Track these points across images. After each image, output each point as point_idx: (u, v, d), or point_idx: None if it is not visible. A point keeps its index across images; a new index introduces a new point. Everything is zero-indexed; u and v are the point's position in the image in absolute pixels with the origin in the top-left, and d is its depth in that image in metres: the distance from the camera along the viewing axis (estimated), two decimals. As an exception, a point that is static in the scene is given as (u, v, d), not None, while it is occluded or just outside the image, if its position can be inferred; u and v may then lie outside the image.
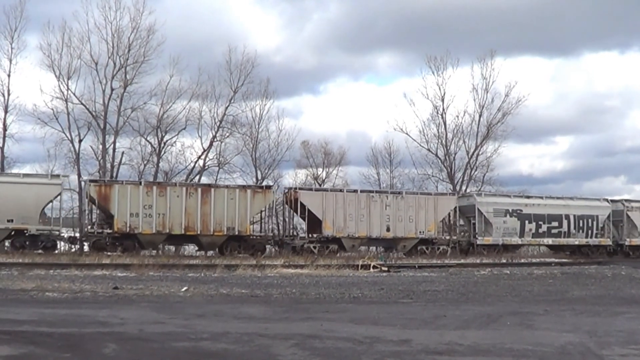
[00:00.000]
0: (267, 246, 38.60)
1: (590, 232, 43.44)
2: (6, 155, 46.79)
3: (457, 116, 56.60)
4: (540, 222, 42.02)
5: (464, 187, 55.60)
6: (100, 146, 48.01)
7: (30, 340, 9.57)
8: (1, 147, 46.53)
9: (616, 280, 25.25)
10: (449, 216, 41.93)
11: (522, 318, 13.17)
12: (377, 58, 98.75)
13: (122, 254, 32.25)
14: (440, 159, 56.79)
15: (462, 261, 34.96)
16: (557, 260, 38.58)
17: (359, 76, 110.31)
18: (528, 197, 44.97)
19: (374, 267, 28.15)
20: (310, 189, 40.45)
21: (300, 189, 39.71)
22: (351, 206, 38.03)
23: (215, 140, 51.75)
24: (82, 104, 47.28)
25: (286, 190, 41.53)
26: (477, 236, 40.75)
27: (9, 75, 46.41)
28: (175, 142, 51.11)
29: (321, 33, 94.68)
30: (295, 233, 39.29)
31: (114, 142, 48.49)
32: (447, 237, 40.63)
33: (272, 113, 55.24)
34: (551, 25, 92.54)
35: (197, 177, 50.79)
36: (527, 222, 41.61)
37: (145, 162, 50.41)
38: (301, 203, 37.44)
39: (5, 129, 46.46)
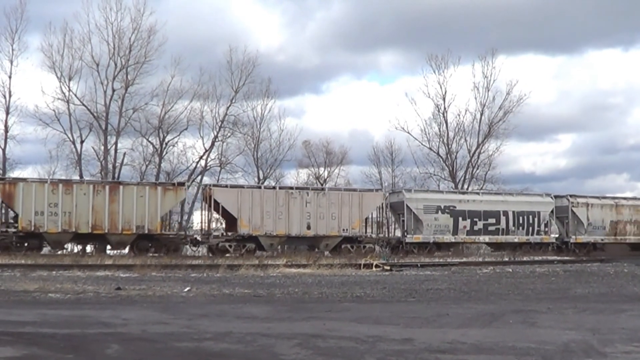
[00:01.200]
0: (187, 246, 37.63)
1: (531, 229, 42.12)
2: (8, 157, 46.96)
3: (459, 115, 56.86)
4: (475, 219, 40.65)
5: (465, 186, 55.77)
6: (102, 147, 48.22)
7: (33, 342, 9.57)
8: (3, 148, 46.68)
9: (619, 278, 25.23)
10: (378, 213, 40.40)
11: (525, 316, 13.15)
12: (380, 57, 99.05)
13: (27, 253, 31.44)
14: (441, 157, 57.02)
15: (465, 259, 34.91)
16: (559, 258, 38.43)
17: (362, 75, 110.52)
18: (463, 192, 44.46)
19: (377, 266, 28.15)
20: (226, 186, 38.91)
21: (214, 185, 38.56)
22: (269, 203, 36.62)
23: (216, 140, 52.01)
24: (83, 105, 47.53)
25: (203, 188, 40.83)
26: (406, 234, 39.53)
27: (10, 77, 46.69)
28: (177, 142, 51.46)
29: (324, 32, 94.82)
30: (210, 232, 37.91)
31: (116, 143, 48.74)
32: (374, 235, 39.26)
33: (274, 113, 55.58)
34: (555, 23, 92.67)
35: (199, 177, 50.99)
36: (460, 219, 40.27)
37: (147, 162, 50.70)
38: (215, 200, 36.37)
39: (6, 131, 46.66)
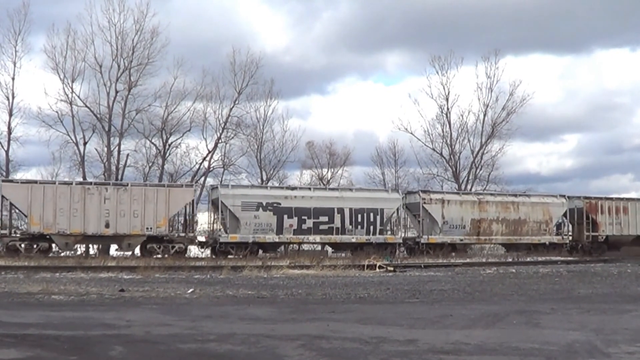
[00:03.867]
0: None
1: (372, 228, 37.75)
2: (11, 159, 46.98)
3: (462, 115, 56.72)
4: (304, 217, 36.68)
5: (469, 186, 55.69)
6: (105, 149, 48.21)
7: (36, 344, 9.58)
8: (6, 150, 46.72)
9: (622, 278, 25.21)
10: (189, 210, 36.70)
11: (529, 317, 13.15)
12: (386, 57, 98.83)
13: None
14: (445, 158, 56.93)
15: (468, 260, 34.84)
16: (562, 258, 38.33)
17: (368, 75, 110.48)
18: (290, 188, 39.96)
19: (380, 267, 28.15)
20: (17, 181, 35.68)
21: (3, 181, 35.65)
22: (63, 199, 33.49)
23: (220, 141, 51.93)
24: (86, 106, 47.51)
25: None
26: (225, 233, 36.22)
27: (13, 79, 46.63)
28: (180, 143, 51.32)
29: (331, 32, 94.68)
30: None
31: (119, 145, 48.70)
32: (182, 235, 35.83)
33: (278, 114, 55.42)
34: (562, 23, 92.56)
35: (202, 178, 50.95)
36: (286, 216, 36.43)
37: (150, 164, 50.61)
38: (3, 196, 33.74)
39: (10, 132, 46.65)
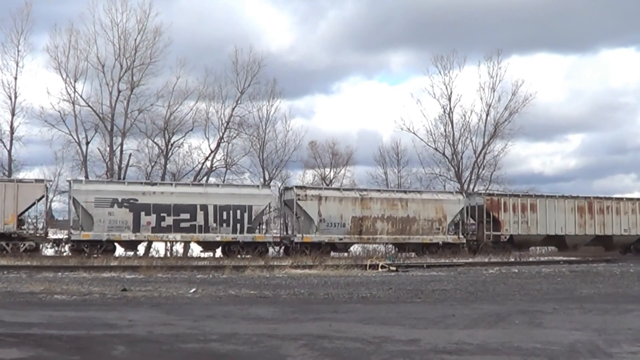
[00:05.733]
0: None
1: (240, 226, 35.82)
2: (14, 159, 47.04)
3: (465, 115, 56.71)
4: (163, 214, 34.87)
5: (471, 186, 55.72)
6: (108, 148, 48.32)
7: (39, 343, 9.58)
8: (9, 150, 46.80)
9: (625, 278, 25.18)
10: (43, 207, 35.21)
11: (531, 317, 13.14)
12: (391, 57, 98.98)
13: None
14: (447, 158, 56.98)
15: (471, 260, 34.74)
16: (565, 258, 38.22)
17: (372, 75, 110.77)
18: (150, 184, 37.94)
19: (382, 266, 28.13)
20: None
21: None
22: None
23: (222, 141, 51.98)
24: (89, 106, 47.67)
25: None
26: (72, 230, 34.32)
27: (15, 78, 46.73)
28: (182, 143, 51.39)
29: (336, 31, 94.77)
30: None
31: (122, 144, 48.86)
32: (32, 232, 34.25)
33: (281, 113, 55.50)
34: (568, 22, 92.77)
35: (205, 178, 50.96)
36: (143, 213, 34.59)
37: (152, 163, 50.70)
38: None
39: (12, 132, 46.74)
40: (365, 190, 41.03)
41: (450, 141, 56.89)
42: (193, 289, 18.34)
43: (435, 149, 56.97)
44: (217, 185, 40.60)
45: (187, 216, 35.13)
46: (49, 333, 10.57)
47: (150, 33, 48.29)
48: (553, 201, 42.18)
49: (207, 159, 51.90)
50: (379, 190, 41.40)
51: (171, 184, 38.76)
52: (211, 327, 11.45)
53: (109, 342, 9.73)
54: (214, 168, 52.34)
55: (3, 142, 46.94)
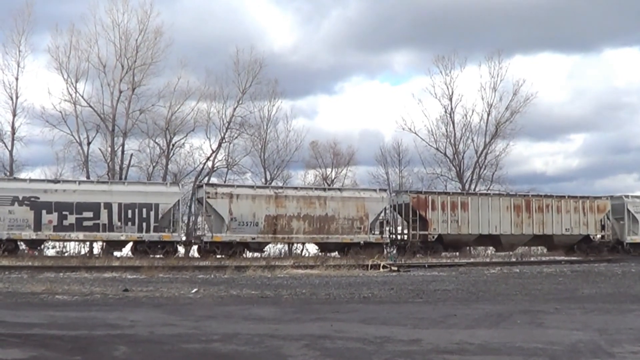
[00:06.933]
0: None
1: (146, 225, 34.59)
2: (15, 159, 47.06)
3: (466, 115, 56.64)
4: (65, 213, 33.63)
5: (473, 186, 55.65)
6: (109, 149, 48.25)
7: (40, 344, 9.59)
8: (10, 150, 46.80)
9: (626, 278, 25.17)
10: None
11: (533, 317, 13.13)
12: (393, 57, 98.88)
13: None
14: (448, 158, 56.87)
15: (472, 260, 34.63)
16: (567, 258, 38.10)
17: (375, 75, 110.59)
18: (53, 181, 36.07)
19: (384, 266, 28.13)
20: None
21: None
22: None
23: (223, 141, 51.92)
24: (90, 106, 47.59)
25: None
26: None
27: (17, 79, 46.70)
28: (183, 143, 51.33)
29: (338, 31, 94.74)
30: None
31: (123, 145, 48.76)
32: None
33: (282, 113, 55.41)
34: (571, 22, 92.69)
35: (206, 178, 50.95)
36: (44, 212, 33.41)
37: (154, 164, 50.68)
38: None
39: (13, 132, 46.73)
40: (281, 188, 40.00)
41: (452, 141, 56.83)
42: (195, 289, 18.35)
43: (437, 149, 56.90)
44: (123, 182, 39.84)
45: (90, 214, 34.13)
46: (50, 333, 10.58)
47: (152, 33, 48.25)
48: (487, 199, 40.65)
49: (208, 159, 51.90)
50: (295, 188, 39.70)
51: (75, 182, 37.25)
52: (213, 328, 11.45)
53: (110, 343, 9.74)
54: (215, 168, 52.35)
55: (4, 143, 46.97)
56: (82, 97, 47.61)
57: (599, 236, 42.98)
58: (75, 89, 47.41)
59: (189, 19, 76.72)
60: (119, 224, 34.35)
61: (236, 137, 52.41)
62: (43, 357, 8.88)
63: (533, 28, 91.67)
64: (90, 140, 48.36)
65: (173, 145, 50.80)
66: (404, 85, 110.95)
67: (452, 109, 56.62)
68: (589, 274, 27.01)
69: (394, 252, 37.37)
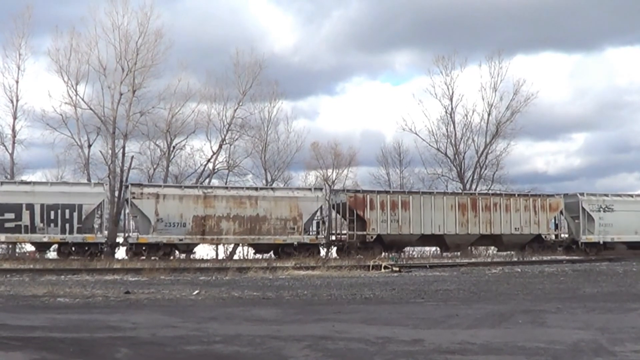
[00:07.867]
0: None
1: (69, 226, 33.41)
2: (16, 162, 47.06)
3: (466, 115, 56.61)
4: None
5: (474, 186, 55.61)
6: (110, 151, 48.17)
7: (42, 346, 9.59)
8: (11, 153, 46.79)
9: (628, 277, 25.15)
10: None
11: (534, 316, 13.13)
12: (395, 57, 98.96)
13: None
14: (449, 158, 56.84)
15: (474, 260, 34.55)
16: (567, 257, 37.94)
17: (376, 75, 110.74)
18: None
19: (385, 267, 28.11)
20: None
21: None
22: None
23: (224, 143, 51.91)
24: (90, 109, 47.50)
25: None
26: None
27: (17, 81, 46.67)
28: (184, 145, 51.28)
29: (340, 31, 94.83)
30: None
31: (124, 147, 48.64)
32: None
33: (283, 115, 55.37)
34: (573, 21, 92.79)
35: (207, 180, 50.95)
36: None
37: (154, 166, 50.65)
38: None
39: (14, 135, 46.72)
40: (210, 187, 38.99)
41: (452, 141, 56.78)
42: (196, 291, 18.35)
43: (437, 149, 56.86)
44: (47, 183, 38.46)
45: (12, 216, 32.98)
46: (52, 336, 10.58)
47: (152, 35, 48.17)
48: (429, 198, 39.10)
49: (209, 161, 51.86)
50: (225, 188, 38.84)
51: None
52: (214, 329, 11.45)
53: (112, 345, 9.74)
54: (216, 170, 52.30)
55: (5, 146, 46.91)
56: (83, 99, 47.59)
57: (552, 235, 41.67)
58: (76, 91, 47.39)
59: (189, 20, 76.87)
60: (42, 225, 33.28)
61: (237, 139, 52.42)
62: (45, 359, 8.88)
63: (534, 27, 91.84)
64: (90, 143, 48.31)
65: (174, 147, 50.77)
66: (405, 85, 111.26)
67: (452, 109, 56.63)
68: (591, 273, 26.99)
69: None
